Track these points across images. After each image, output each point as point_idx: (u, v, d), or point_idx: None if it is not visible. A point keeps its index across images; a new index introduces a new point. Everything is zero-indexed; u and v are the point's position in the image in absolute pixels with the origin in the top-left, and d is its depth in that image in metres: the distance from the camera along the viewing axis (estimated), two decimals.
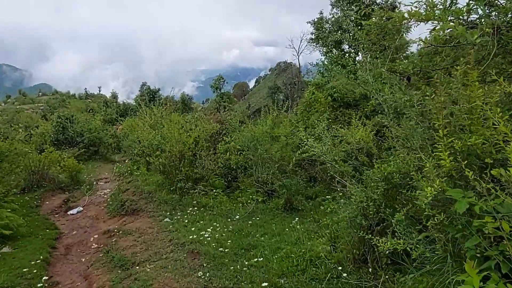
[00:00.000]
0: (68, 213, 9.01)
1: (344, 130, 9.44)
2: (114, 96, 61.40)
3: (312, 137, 7.23)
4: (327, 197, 8.41)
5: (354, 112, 11.33)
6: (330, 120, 9.41)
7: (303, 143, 5.34)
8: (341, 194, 6.14)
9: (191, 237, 5.98)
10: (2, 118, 40.18)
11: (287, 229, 6.53)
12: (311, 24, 17.93)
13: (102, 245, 6.60)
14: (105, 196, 10.17)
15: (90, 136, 16.78)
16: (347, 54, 16.46)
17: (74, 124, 17.36)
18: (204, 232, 6.24)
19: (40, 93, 77.38)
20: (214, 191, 8.93)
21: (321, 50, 17.58)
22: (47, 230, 7.40)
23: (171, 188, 8.67)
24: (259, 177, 9.44)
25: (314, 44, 18.21)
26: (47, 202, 10.33)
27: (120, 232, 6.78)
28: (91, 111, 52.75)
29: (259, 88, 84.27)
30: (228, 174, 10.27)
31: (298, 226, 6.63)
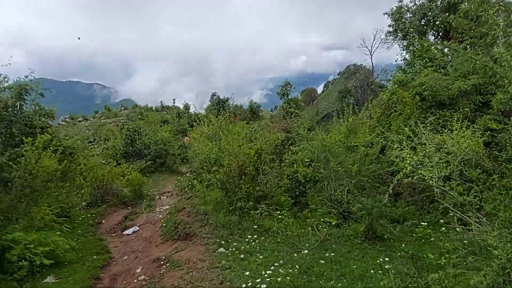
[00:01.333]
0: (124, 233, 8.40)
1: (441, 135, 7.45)
2: (186, 107, 64.06)
3: (408, 149, 5.47)
4: (421, 224, 6.54)
5: (450, 113, 9.12)
6: (421, 123, 7.43)
7: (402, 162, 3.73)
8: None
9: (247, 277, 4.69)
10: (86, 132, 43.95)
11: (371, 270, 4.88)
12: (388, 16, 15.76)
13: (148, 278, 5.67)
14: (164, 213, 9.44)
15: (156, 148, 16.72)
16: (433, 46, 13.97)
17: (142, 136, 17.49)
18: (264, 271, 4.90)
19: (122, 107, 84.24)
20: (278, 211, 7.59)
21: (401, 44, 15.29)
22: (97, 256, 6.73)
23: (230, 208, 7.52)
24: (331, 194, 7.85)
25: (392, 38, 16.01)
26: (108, 219, 9.96)
27: (169, 263, 5.80)
28: (165, 122, 55.48)
29: (328, 93, 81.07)
30: (295, 188, 8.86)
31: (386, 266, 4.95)
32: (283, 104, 31.91)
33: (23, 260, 5.06)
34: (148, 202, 10.85)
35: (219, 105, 42.19)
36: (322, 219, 7.13)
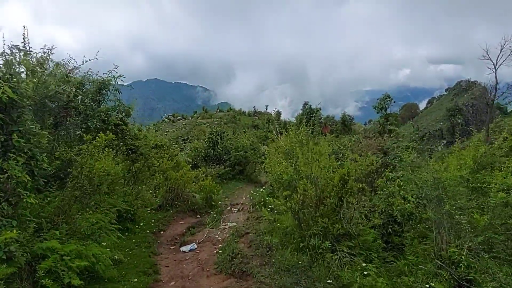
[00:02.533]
0: (181, 249, 7.50)
1: None
2: (278, 114, 64.20)
3: None
4: None
5: None
6: None
7: None
8: None
9: None
10: (183, 130, 46.60)
11: None
12: None
13: None
14: (228, 232, 8.35)
15: (236, 154, 16.00)
16: None
17: (224, 141, 16.99)
18: None
19: (218, 110, 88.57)
20: (364, 256, 5.81)
21: None
22: (143, 276, 5.87)
23: (301, 245, 5.99)
24: (441, 248, 5.73)
25: None
26: (172, 227, 9.29)
27: None
28: (255, 127, 56.16)
29: (431, 110, 73.26)
30: (387, 224, 6.88)
31: None
32: (380, 119, 28.84)
33: (46, 278, 4.32)
34: (215, 215, 9.92)
35: (309, 114, 40.81)
36: (427, 285, 5.13)
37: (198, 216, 10.84)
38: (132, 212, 8.55)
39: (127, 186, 9.36)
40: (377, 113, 29.19)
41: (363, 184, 6.31)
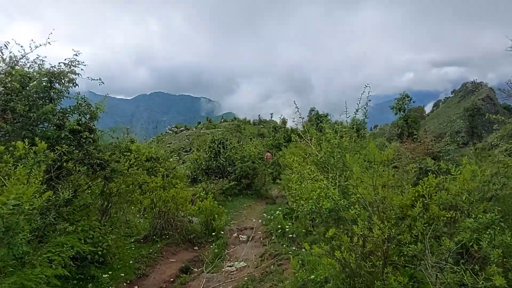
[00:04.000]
0: None
1: None
2: (284, 121, 61.84)
3: None
4: None
5: None
6: None
7: None
8: None
9: None
10: (185, 142, 44.36)
11: None
12: None
13: None
14: (234, 275, 5.83)
15: (242, 166, 13.49)
16: None
17: (227, 150, 14.52)
18: None
19: (222, 120, 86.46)
20: None
21: None
22: None
23: None
24: None
25: None
26: (159, 269, 6.80)
27: None
28: (261, 136, 53.72)
29: (438, 113, 70.61)
30: None
31: None
32: (399, 121, 26.28)
33: None
34: (216, 249, 7.41)
35: (317, 120, 38.53)
36: None
37: (196, 247, 8.35)
38: (100, 252, 6.08)
39: (95, 215, 6.91)
40: (395, 114, 26.64)
41: (455, 212, 3.82)
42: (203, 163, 14.41)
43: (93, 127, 6.65)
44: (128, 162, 7.87)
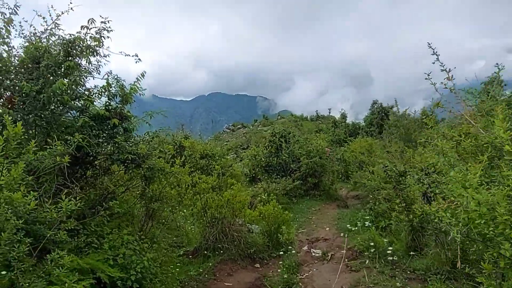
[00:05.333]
0: None
1: None
2: (343, 116, 58.27)
3: None
4: None
5: None
6: None
7: None
8: None
9: None
10: (242, 139, 43.36)
11: None
12: None
13: None
14: None
15: (308, 162, 11.46)
16: None
17: (290, 144, 12.58)
18: None
19: (279, 117, 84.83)
20: None
21: None
22: None
23: None
24: None
25: None
26: None
27: None
28: (319, 131, 50.96)
29: None
30: None
31: None
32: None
33: None
34: (286, 274, 5.54)
35: (381, 113, 35.02)
36: None
37: (257, 265, 6.60)
38: (134, 277, 4.56)
39: (131, 226, 5.44)
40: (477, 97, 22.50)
41: None
42: (263, 159, 12.66)
43: (127, 113, 5.16)
44: (180, 158, 6.42)
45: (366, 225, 7.00)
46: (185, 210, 8.65)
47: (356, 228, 7.59)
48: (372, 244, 5.27)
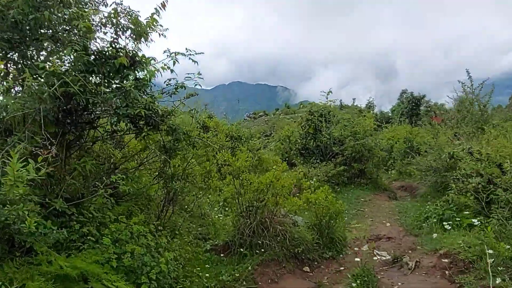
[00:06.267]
0: None
1: None
2: (370, 105, 55.72)
3: None
4: None
5: None
6: None
7: None
8: None
9: None
10: (264, 126, 41.81)
11: None
12: None
13: None
14: None
15: (355, 144, 9.70)
16: None
17: (331, 125, 10.86)
18: None
19: (301, 105, 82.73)
20: None
21: None
22: None
23: None
24: None
25: None
26: None
27: None
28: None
29: None
30: None
31: None
32: None
33: None
34: (356, 280, 3.94)
35: (412, 103, 32.59)
36: None
37: (307, 268, 5.08)
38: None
39: (144, 213, 3.97)
40: None
41: None
42: (298, 141, 11.01)
43: (139, 57, 3.61)
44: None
45: (445, 223, 5.31)
46: (210, 196, 7.18)
47: (428, 226, 5.91)
48: (490, 251, 3.58)
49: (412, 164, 9.41)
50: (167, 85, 3.68)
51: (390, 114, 33.78)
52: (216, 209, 7.17)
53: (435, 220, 5.95)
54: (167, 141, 4.01)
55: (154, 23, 3.85)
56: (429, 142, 8.45)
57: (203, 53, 3.73)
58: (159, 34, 3.99)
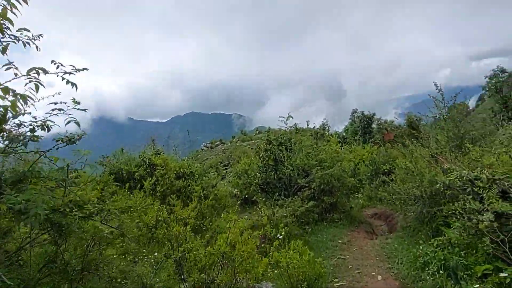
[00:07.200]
0: None
1: None
2: (324, 127, 56.33)
3: None
4: None
5: None
6: None
7: None
8: None
9: None
10: (222, 155, 40.27)
11: None
12: None
13: None
14: None
15: (322, 175, 8.40)
16: None
17: (293, 154, 9.56)
18: None
19: (257, 131, 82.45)
20: None
21: None
22: None
23: None
24: None
25: None
26: None
27: None
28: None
29: (484, 107, 61.63)
30: None
31: None
32: (497, 106, 20.20)
33: None
34: None
35: (363, 121, 33.01)
36: None
37: None
38: None
39: None
40: (489, 97, 20.72)
41: None
42: (258, 175, 9.54)
43: None
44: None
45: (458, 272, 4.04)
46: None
47: (432, 277, 4.63)
48: None
49: (388, 191, 8.30)
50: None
51: (344, 134, 33.82)
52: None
53: (435, 268, 4.69)
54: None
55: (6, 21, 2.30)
56: (404, 165, 7.36)
57: (87, 69, 2.25)
58: (24, 42, 2.42)
